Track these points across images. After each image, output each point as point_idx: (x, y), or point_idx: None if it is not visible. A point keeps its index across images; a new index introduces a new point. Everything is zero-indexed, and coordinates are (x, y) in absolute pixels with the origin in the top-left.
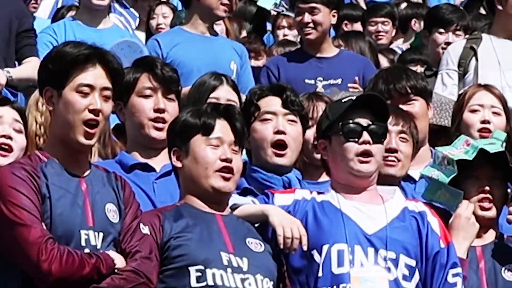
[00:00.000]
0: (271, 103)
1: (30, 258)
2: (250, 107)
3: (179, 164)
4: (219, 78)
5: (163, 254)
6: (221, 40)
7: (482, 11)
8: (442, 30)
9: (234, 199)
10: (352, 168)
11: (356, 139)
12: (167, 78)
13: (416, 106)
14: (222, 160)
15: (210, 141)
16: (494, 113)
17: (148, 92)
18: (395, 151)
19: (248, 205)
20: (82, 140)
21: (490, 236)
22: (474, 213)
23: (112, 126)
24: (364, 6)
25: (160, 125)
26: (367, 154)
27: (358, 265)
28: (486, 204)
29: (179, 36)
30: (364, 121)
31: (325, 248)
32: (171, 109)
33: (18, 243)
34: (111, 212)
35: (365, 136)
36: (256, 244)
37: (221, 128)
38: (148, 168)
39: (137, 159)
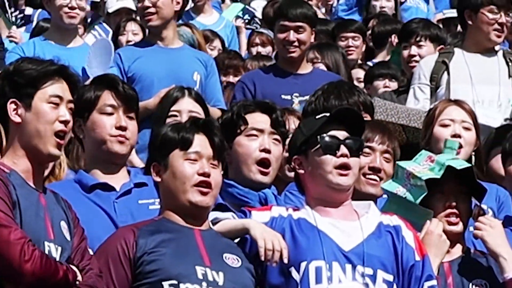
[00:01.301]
0: (259, 119)
1: (11, 258)
2: (238, 120)
3: (158, 179)
4: (181, 91)
5: (137, 270)
6: (185, 50)
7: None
8: (406, 44)
9: (215, 213)
10: (330, 181)
11: (334, 152)
12: (128, 96)
13: None
14: (200, 175)
15: (188, 155)
16: (464, 128)
17: (109, 109)
18: (379, 170)
19: (229, 220)
20: (53, 150)
21: (457, 251)
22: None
23: None
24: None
25: (122, 139)
26: (345, 167)
27: (336, 281)
28: (453, 219)
29: (140, 49)
30: (340, 135)
31: (303, 265)
32: (132, 127)
33: None
34: (65, 229)
35: (343, 149)
36: (233, 260)
37: (200, 142)
38: (108, 188)
39: (97, 179)
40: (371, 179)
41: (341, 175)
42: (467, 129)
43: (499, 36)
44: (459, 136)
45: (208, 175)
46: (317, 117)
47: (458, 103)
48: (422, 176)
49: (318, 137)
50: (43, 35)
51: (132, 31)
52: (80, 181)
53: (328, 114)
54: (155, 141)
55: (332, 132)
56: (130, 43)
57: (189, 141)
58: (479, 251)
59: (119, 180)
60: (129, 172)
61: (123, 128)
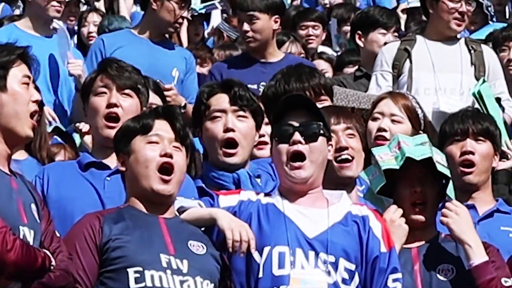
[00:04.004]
0: (220, 100)
1: None
2: (200, 106)
3: (123, 168)
4: None
5: (103, 256)
6: (169, 46)
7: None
8: (383, 31)
9: (181, 201)
10: (286, 173)
11: (288, 141)
12: (121, 74)
13: (325, 104)
14: (162, 156)
15: (149, 138)
16: (394, 121)
17: (102, 89)
18: (346, 148)
19: (195, 209)
20: (29, 132)
21: (425, 237)
22: (407, 217)
23: (50, 130)
24: None
25: (112, 123)
26: (298, 157)
27: (299, 267)
28: (418, 208)
29: (125, 38)
30: (297, 122)
31: (266, 249)
32: (126, 104)
33: None
34: (35, 212)
35: (296, 136)
36: (198, 247)
37: (160, 126)
38: (103, 167)
39: (92, 158)
40: (342, 161)
41: (295, 168)
42: (397, 122)
43: (459, 25)
44: (384, 130)
45: (170, 156)
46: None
47: (392, 96)
48: (382, 166)
49: (274, 126)
50: (16, 23)
51: (93, 22)
52: (79, 160)
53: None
54: (117, 134)
55: (290, 120)
56: (92, 34)
57: (149, 126)
58: (450, 236)
59: (115, 160)
60: None
61: (113, 105)
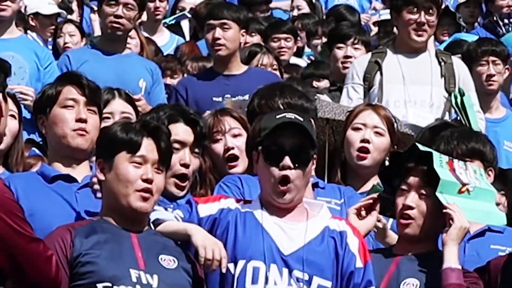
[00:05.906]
0: (177, 131)
1: (49, 272)
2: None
3: (102, 177)
4: (111, 92)
5: (73, 270)
6: (133, 57)
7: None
8: (340, 45)
9: (157, 214)
10: (272, 194)
11: (277, 164)
12: (90, 90)
13: None
14: (143, 180)
15: (134, 159)
16: (376, 133)
17: (70, 102)
18: None
19: (171, 222)
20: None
21: (415, 250)
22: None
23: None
24: None
25: (82, 132)
26: (286, 181)
27: (272, 283)
28: (404, 221)
29: (89, 53)
30: (288, 144)
31: (241, 263)
32: (93, 121)
33: (32, 257)
34: None
35: (286, 160)
36: (169, 261)
37: (147, 147)
38: (70, 179)
39: (59, 171)
40: None
41: (282, 192)
42: (378, 134)
43: (419, 35)
44: (368, 141)
45: (151, 182)
46: (277, 116)
47: (374, 107)
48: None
49: (265, 144)
50: None
51: (69, 33)
52: (42, 172)
53: (285, 115)
54: (104, 138)
55: (281, 141)
56: (68, 45)
57: (137, 145)
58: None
59: (80, 173)
60: (91, 167)
61: (83, 120)
